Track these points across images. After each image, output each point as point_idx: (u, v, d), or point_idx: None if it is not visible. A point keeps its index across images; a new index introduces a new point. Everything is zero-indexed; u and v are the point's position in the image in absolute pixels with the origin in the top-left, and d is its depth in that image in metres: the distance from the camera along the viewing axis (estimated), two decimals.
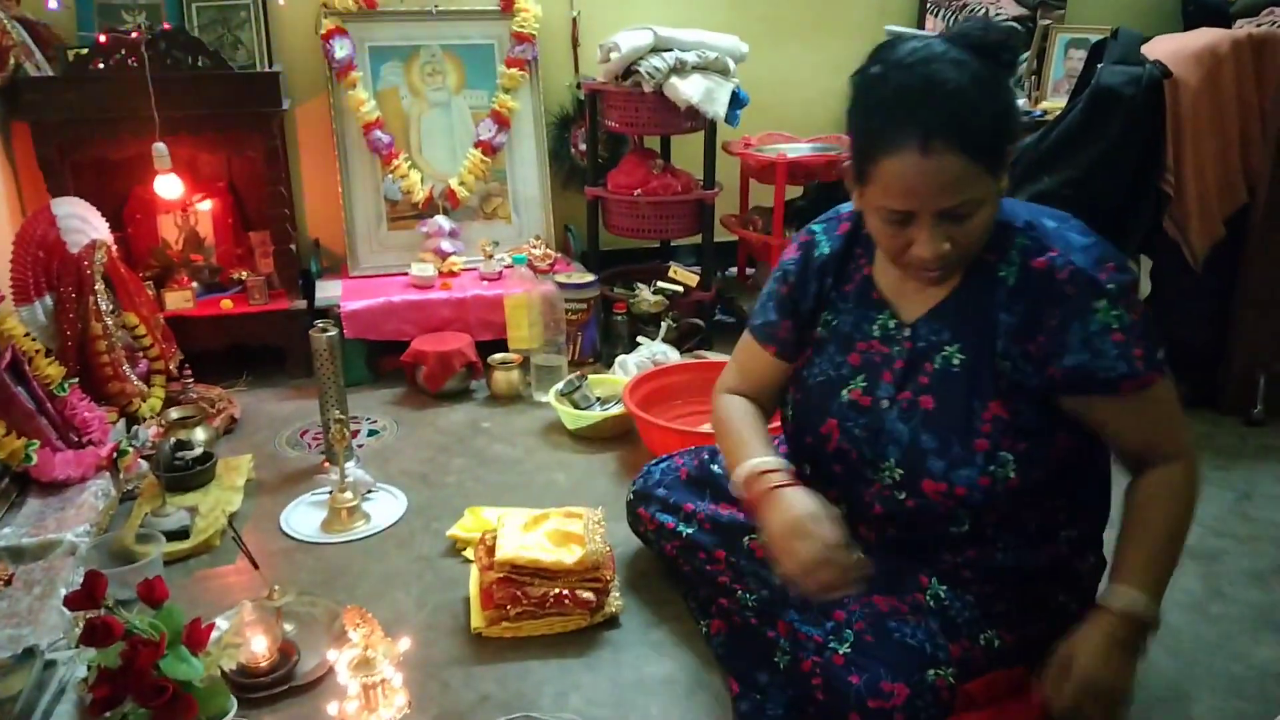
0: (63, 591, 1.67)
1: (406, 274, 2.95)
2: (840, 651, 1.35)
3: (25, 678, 1.17)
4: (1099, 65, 2.35)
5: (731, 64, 2.86)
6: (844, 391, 1.45)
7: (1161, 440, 1.34)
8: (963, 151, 1.19)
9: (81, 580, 1.68)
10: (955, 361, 1.36)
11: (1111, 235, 2.32)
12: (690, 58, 2.78)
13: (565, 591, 1.68)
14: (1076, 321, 1.28)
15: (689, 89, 2.73)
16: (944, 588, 1.39)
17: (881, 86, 1.25)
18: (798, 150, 3.05)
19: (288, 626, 1.65)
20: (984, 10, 3.58)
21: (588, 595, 1.69)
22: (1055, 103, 3.23)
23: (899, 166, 1.21)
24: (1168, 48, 2.36)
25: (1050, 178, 2.33)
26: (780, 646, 1.51)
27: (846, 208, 1.51)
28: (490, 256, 3.01)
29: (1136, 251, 2.42)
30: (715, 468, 1.76)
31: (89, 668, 1.18)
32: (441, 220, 3.06)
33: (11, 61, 2.51)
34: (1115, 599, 1.28)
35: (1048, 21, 3.50)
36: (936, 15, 3.56)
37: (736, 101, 2.85)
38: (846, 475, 1.46)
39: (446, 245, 3.05)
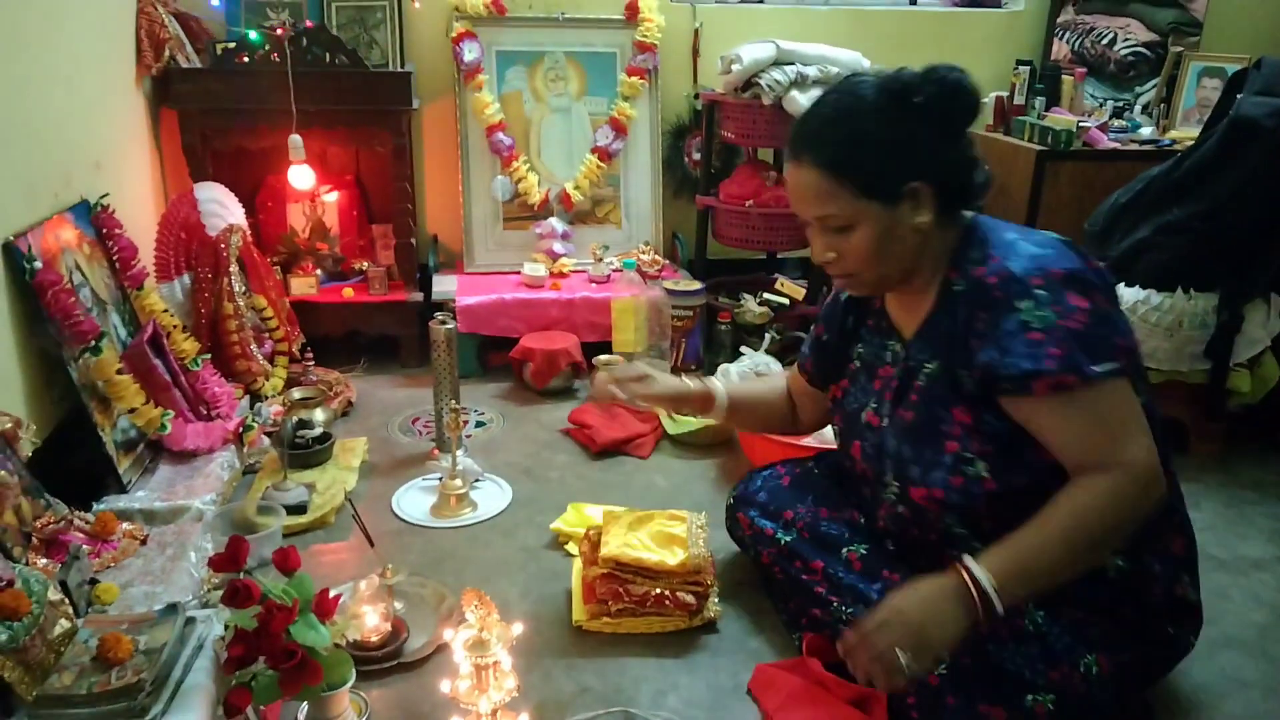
0: (192, 554, 1.77)
1: (519, 273, 3.02)
2: (936, 672, 1.35)
3: (169, 631, 1.25)
4: (1239, 95, 2.28)
5: None
6: (863, 415, 1.56)
7: (1092, 449, 1.28)
8: (821, 168, 1.36)
9: (211, 545, 1.79)
10: (930, 375, 1.43)
11: (1242, 271, 2.27)
12: (811, 72, 2.79)
13: (666, 592, 1.70)
14: (997, 321, 1.32)
15: (808, 103, 2.73)
16: (1040, 613, 1.38)
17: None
18: None
19: (398, 605, 1.72)
20: (1111, 35, 3.50)
21: (688, 598, 1.71)
22: (1185, 132, 3.14)
23: (786, 173, 1.45)
24: None
25: (1180, 209, 2.27)
26: None
27: None
28: (600, 260, 3.06)
29: (1267, 289, 2.34)
30: (818, 473, 1.78)
31: (226, 627, 1.25)
32: (555, 222, 3.13)
33: (166, 53, 2.66)
34: (967, 560, 1.26)
35: (1179, 49, 3.40)
36: (1062, 38, 3.49)
37: None
38: (870, 494, 1.58)
39: (558, 247, 3.11)
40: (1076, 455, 1.30)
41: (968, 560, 1.26)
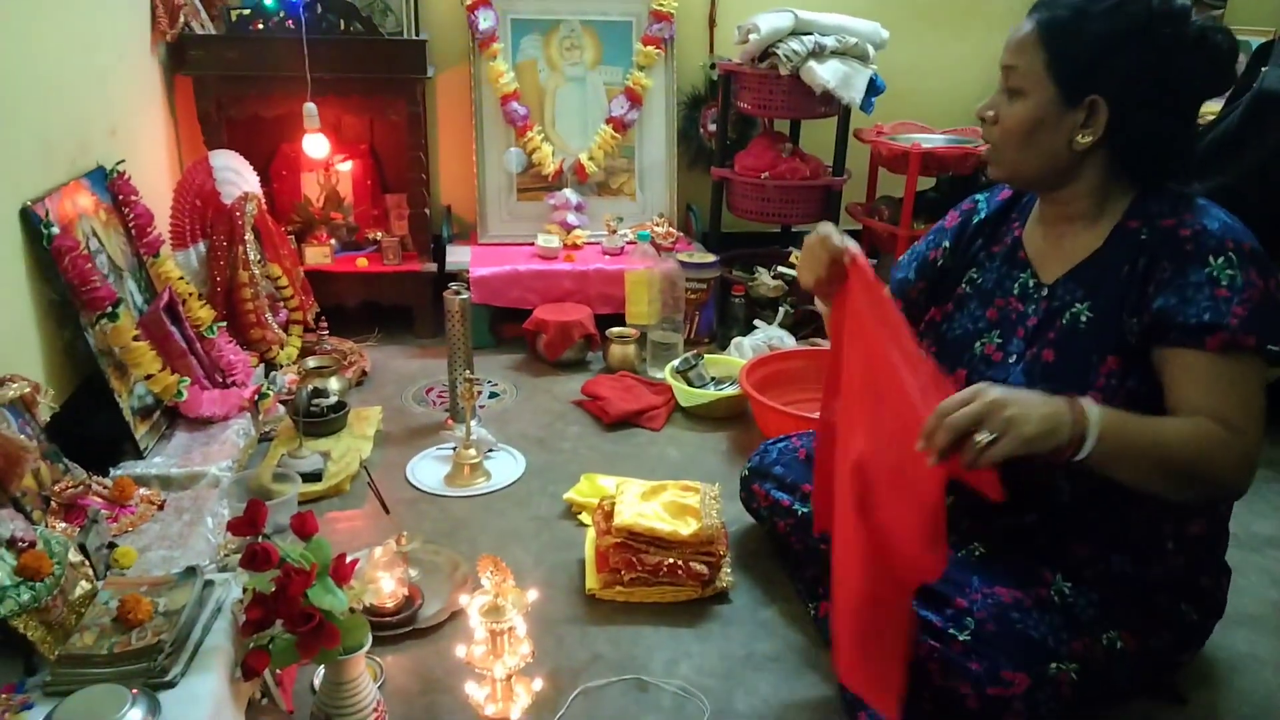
0: (209, 520, 1.78)
1: (532, 244, 3.01)
2: (960, 638, 1.35)
3: (188, 593, 1.26)
4: (1263, 69, 2.25)
5: (871, 50, 2.83)
6: (977, 345, 1.51)
7: (1225, 410, 1.25)
8: (1039, 26, 1.36)
9: (228, 511, 1.80)
10: (1083, 319, 1.39)
11: (1263, 246, 2.25)
12: (829, 42, 2.76)
13: (679, 562, 1.71)
14: (1184, 271, 1.29)
15: (826, 74, 2.72)
16: (1069, 584, 1.39)
17: None
18: (932, 141, 3.00)
19: (412, 572, 1.73)
20: None
21: (701, 568, 1.72)
22: (1207, 105, 3.09)
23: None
24: None
25: (1201, 184, 2.23)
26: None
27: None
28: (614, 231, 3.05)
29: None
30: None
31: (244, 590, 1.26)
32: (569, 193, 3.12)
33: (181, 19, 2.64)
34: (1088, 398, 1.23)
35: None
36: None
37: (873, 88, 2.82)
38: None
39: (572, 218, 3.10)
40: (1204, 410, 1.26)
41: (1088, 399, 1.23)
